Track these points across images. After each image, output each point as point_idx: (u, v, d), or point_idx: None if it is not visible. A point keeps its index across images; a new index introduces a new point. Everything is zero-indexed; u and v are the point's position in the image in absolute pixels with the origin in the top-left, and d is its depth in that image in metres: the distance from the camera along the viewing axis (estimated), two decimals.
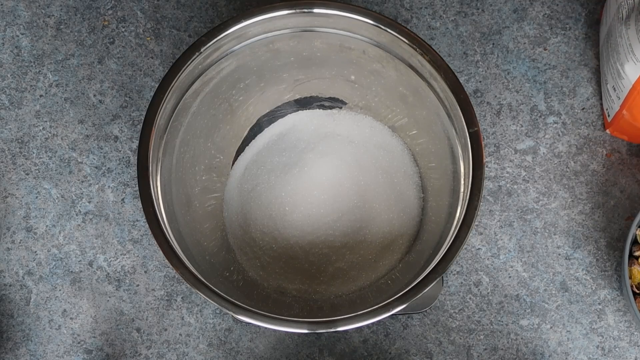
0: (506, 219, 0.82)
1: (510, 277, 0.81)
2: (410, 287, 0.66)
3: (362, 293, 0.76)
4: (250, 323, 0.66)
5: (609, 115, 0.81)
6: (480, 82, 0.85)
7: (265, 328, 0.75)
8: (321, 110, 0.81)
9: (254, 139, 0.81)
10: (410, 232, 0.78)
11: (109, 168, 0.84)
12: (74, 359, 0.81)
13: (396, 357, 0.81)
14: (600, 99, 0.84)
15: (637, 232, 0.77)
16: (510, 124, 0.84)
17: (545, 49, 0.85)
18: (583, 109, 0.84)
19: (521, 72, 0.85)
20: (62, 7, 0.87)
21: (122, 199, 0.83)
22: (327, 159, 0.78)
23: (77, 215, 0.83)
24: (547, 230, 0.82)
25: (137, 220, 0.83)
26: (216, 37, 0.70)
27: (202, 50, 0.69)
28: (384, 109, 0.79)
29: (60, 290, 0.82)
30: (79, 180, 0.84)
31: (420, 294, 0.65)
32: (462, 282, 0.81)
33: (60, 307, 0.82)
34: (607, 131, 0.83)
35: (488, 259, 0.82)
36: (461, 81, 0.75)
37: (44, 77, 0.85)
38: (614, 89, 0.78)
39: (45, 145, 0.84)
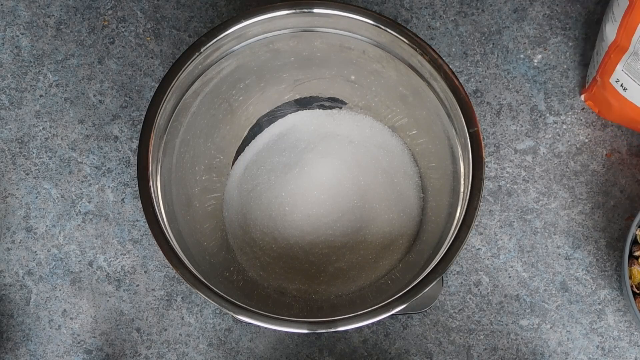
0: (506, 219, 0.82)
1: (510, 277, 0.81)
2: (410, 287, 0.66)
3: (362, 293, 0.76)
4: (250, 323, 0.66)
5: (587, 82, 0.81)
6: (480, 82, 0.85)
7: (265, 328, 0.75)
8: (321, 110, 0.81)
9: (254, 139, 0.81)
10: (410, 232, 0.78)
11: (109, 168, 0.84)
12: (74, 359, 0.81)
13: (396, 357, 0.81)
14: None
15: (637, 232, 0.77)
16: (510, 124, 0.84)
17: (545, 49, 0.85)
18: (583, 109, 0.84)
19: (521, 72, 0.85)
20: (62, 7, 0.87)
21: (122, 199, 0.83)
22: (327, 159, 0.78)
23: (77, 215, 0.83)
24: (547, 230, 0.82)
25: (137, 220, 0.83)
26: (216, 37, 0.70)
27: (202, 50, 0.69)
28: (384, 109, 0.79)
29: (60, 290, 0.82)
30: (79, 180, 0.84)
31: (420, 294, 0.65)
32: (462, 282, 0.81)
33: (60, 307, 0.82)
34: (581, 97, 0.83)
35: (488, 259, 0.82)
36: (461, 81, 0.75)
37: (44, 77, 0.85)
38: (597, 53, 0.78)
39: (45, 145, 0.84)
